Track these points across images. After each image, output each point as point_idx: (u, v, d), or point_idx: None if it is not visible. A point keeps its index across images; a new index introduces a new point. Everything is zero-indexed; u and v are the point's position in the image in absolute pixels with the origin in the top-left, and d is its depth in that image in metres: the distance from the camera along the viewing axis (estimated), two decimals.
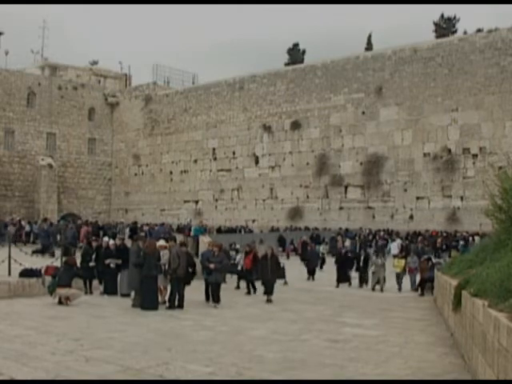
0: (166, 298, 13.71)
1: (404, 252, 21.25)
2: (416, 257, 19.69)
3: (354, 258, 20.21)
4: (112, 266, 15.01)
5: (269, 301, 14.85)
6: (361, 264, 19.75)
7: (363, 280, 19.22)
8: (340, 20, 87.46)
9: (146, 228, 32.19)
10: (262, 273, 15.49)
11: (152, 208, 46.92)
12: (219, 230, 34.97)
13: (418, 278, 18.33)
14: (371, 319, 12.41)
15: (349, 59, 36.79)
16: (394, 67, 34.62)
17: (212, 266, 14.04)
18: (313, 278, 21.17)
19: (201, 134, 44.19)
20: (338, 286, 19.05)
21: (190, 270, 14.14)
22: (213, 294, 14.04)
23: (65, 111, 47.70)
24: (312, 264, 21.71)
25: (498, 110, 30.80)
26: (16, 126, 45.00)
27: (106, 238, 17.16)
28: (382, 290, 18.02)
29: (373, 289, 18.12)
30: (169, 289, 13.75)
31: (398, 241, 27.98)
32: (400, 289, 18.31)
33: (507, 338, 4.73)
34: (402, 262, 18.71)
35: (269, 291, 15.03)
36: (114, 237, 19.60)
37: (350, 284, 19.34)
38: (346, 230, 33.31)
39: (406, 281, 18.53)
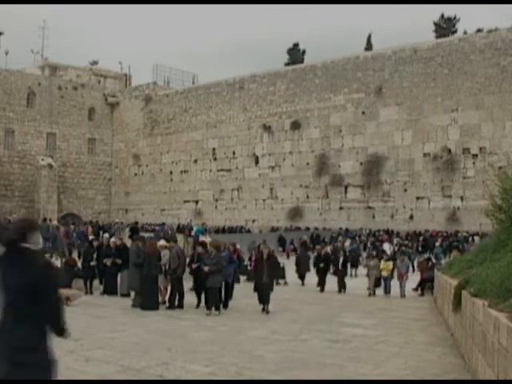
0: (166, 298, 13.72)
1: (379, 255, 19.55)
2: (407, 260, 18.34)
3: (334, 259, 18.77)
4: (108, 263, 15.00)
5: (264, 310, 12.98)
6: (339, 267, 18.31)
7: (341, 285, 17.76)
8: (340, 20, 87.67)
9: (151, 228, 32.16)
10: (256, 276, 13.67)
11: (152, 208, 46.90)
12: (220, 231, 34.91)
13: (407, 284, 17.13)
14: (371, 319, 12.41)
15: (349, 59, 36.76)
16: (394, 67, 34.60)
17: (206, 268, 12.46)
18: (302, 283, 19.67)
19: (201, 134, 44.17)
20: (322, 290, 17.85)
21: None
22: (208, 300, 12.69)
23: (65, 111, 47.71)
24: (303, 268, 20.06)
25: (498, 110, 30.79)
26: (16, 126, 45.01)
27: (106, 235, 17.16)
28: (373, 293, 16.98)
29: (369, 294, 16.96)
30: (169, 289, 13.75)
31: (396, 240, 27.89)
32: (373, 291, 17.06)
33: (507, 337, 4.73)
34: (389, 264, 17.30)
35: (264, 300, 13.01)
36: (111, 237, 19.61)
37: (323, 290, 17.91)
38: (346, 229, 33.28)
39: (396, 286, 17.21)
